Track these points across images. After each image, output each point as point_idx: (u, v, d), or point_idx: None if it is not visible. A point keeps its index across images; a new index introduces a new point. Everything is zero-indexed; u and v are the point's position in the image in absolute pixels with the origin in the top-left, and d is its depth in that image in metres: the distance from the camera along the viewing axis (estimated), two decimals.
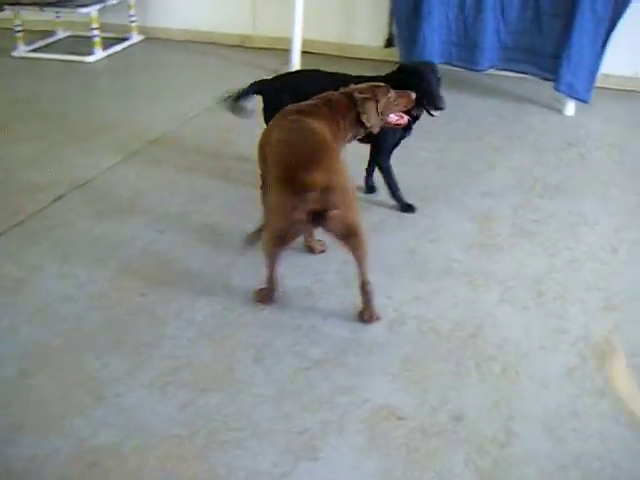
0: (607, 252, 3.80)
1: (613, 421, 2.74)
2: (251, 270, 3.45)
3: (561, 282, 3.53)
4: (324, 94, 3.36)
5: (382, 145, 3.95)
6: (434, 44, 5.68)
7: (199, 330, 3.13)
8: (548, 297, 3.41)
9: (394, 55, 5.99)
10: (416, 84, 3.65)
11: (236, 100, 3.94)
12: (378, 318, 3.16)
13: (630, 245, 3.87)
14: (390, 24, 6.48)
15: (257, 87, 3.98)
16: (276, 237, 3.04)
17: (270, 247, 3.10)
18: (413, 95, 3.49)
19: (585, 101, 5.43)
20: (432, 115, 3.80)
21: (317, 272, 3.50)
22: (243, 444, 2.57)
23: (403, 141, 3.98)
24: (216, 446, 2.56)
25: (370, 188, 4.29)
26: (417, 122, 3.91)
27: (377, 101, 3.35)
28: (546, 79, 5.61)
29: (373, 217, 3.99)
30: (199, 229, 3.88)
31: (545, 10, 5.46)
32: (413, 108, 3.56)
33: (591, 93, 5.55)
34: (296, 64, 6.14)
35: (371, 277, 3.14)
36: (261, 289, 3.27)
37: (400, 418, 2.71)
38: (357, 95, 3.32)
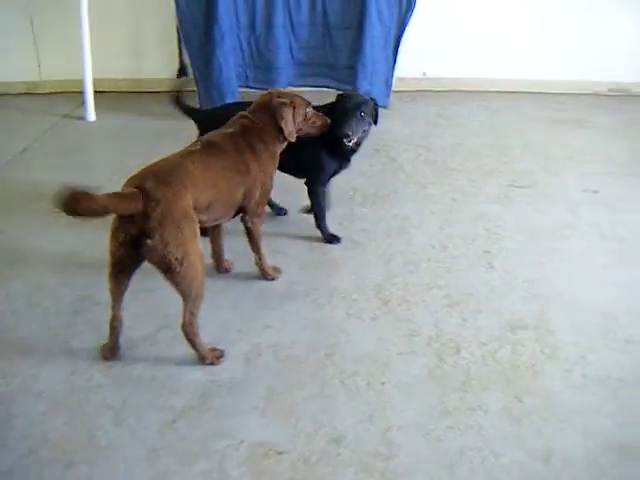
0: (437, 250, 3.91)
1: (482, 412, 2.80)
2: (90, 328, 3.28)
3: (402, 286, 3.59)
4: (241, 119, 3.39)
5: (319, 175, 3.91)
6: (230, 68, 5.64)
7: (50, 401, 2.90)
8: (393, 303, 3.45)
9: (191, 84, 5.90)
10: (329, 111, 3.69)
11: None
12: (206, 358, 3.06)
13: (457, 240, 4.00)
14: (180, 53, 6.41)
15: (192, 114, 3.99)
16: (110, 264, 2.93)
17: (109, 278, 2.98)
18: (328, 120, 3.57)
19: (384, 107, 5.56)
20: (346, 145, 3.74)
21: (161, 317, 3.35)
22: None
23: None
24: None
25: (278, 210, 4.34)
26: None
27: (294, 107, 3.36)
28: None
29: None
30: (24, 293, 3.63)
31: (334, 24, 5.60)
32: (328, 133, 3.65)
33: (389, 98, 5.76)
34: (90, 105, 5.94)
35: (218, 313, 3.09)
36: (105, 344, 3.10)
37: (279, 452, 2.64)
38: (275, 100, 3.35)
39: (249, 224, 3.43)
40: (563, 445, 2.67)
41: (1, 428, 2.78)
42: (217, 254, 3.65)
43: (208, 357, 3.04)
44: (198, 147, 3.19)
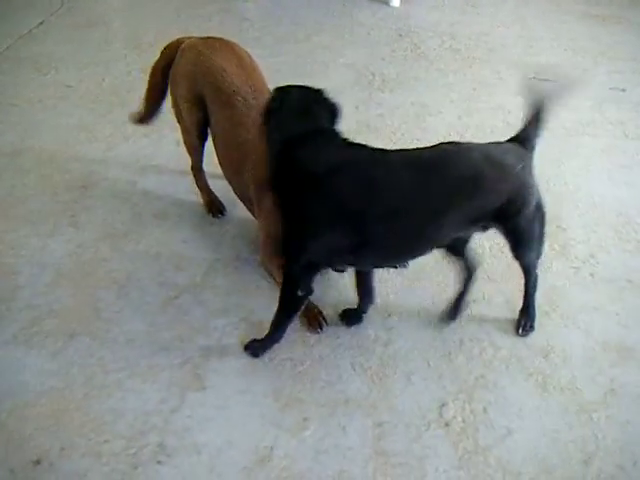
0: (454, 139, 3.82)
1: (485, 303, 2.80)
2: (99, 202, 3.31)
3: None
4: None
5: None
6: None
7: (56, 273, 2.93)
8: None
9: None
10: None
11: None
12: None
13: (474, 130, 3.92)
14: None
15: None
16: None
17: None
18: None
19: None
20: None
21: (171, 194, 3.36)
22: (125, 385, 2.47)
23: None
24: (97, 392, 2.44)
25: None
26: None
27: None
28: None
29: None
30: (34, 167, 3.61)
31: None
32: None
33: None
34: None
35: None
36: None
37: None
38: None
39: None
40: (563, 341, 2.67)
41: (7, 298, 2.82)
42: None
43: None
44: None
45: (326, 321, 2.69)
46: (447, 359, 2.58)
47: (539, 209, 2.47)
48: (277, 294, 2.52)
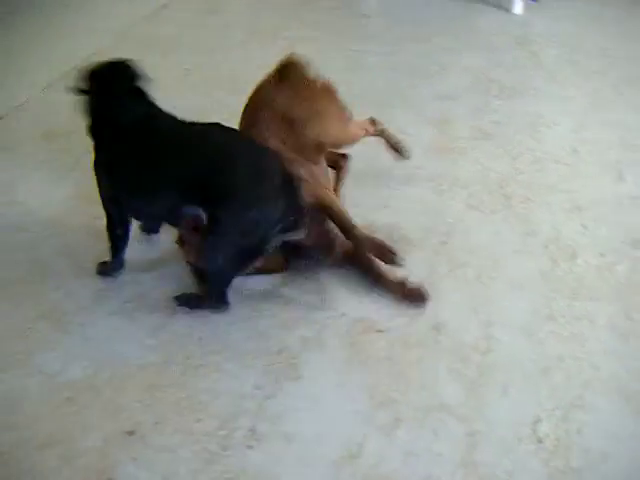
0: (568, 153, 3.75)
1: (588, 322, 2.72)
2: None
3: (526, 184, 3.47)
4: None
5: None
6: None
7: (162, 252, 2.99)
8: (515, 200, 3.35)
9: None
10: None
11: None
12: None
13: (590, 145, 3.82)
14: None
15: None
16: None
17: None
18: None
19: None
20: None
21: None
22: (222, 367, 2.49)
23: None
24: (194, 371, 2.48)
25: None
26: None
27: None
28: None
29: None
30: None
31: None
32: None
33: None
34: None
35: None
36: None
37: (379, 330, 2.65)
38: None
39: None
40: None
41: None
42: None
43: None
44: None
45: None
46: (545, 375, 2.51)
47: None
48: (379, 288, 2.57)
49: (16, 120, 3.97)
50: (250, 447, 2.25)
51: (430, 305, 2.75)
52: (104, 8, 5.44)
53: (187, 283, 2.82)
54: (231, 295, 2.71)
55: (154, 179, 2.59)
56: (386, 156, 3.46)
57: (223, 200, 2.47)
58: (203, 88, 4.18)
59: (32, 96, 4.18)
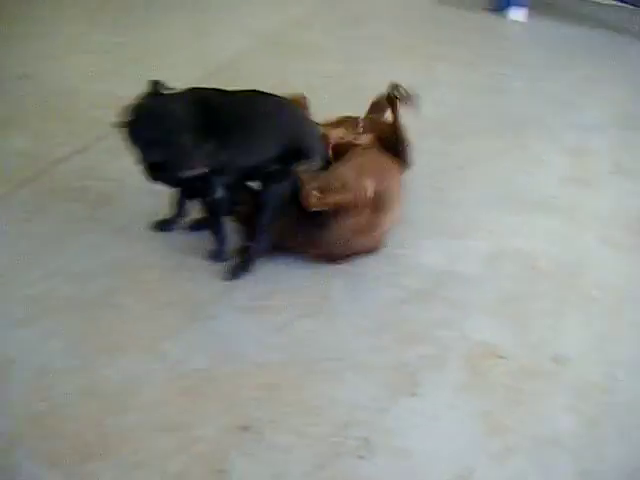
0: None
1: None
2: None
3: None
4: None
5: None
6: None
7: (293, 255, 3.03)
8: None
9: None
10: None
11: None
12: None
13: None
14: None
15: None
16: None
17: None
18: None
19: None
20: None
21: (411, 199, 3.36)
22: (341, 375, 2.50)
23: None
24: (314, 375, 2.50)
25: None
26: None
27: None
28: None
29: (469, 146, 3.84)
30: None
31: None
32: None
33: None
34: None
35: (467, 209, 3.08)
36: None
37: (500, 357, 2.62)
38: None
39: None
40: None
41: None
42: None
43: None
44: None
45: None
46: None
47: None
48: None
49: None
50: (361, 457, 2.25)
51: (554, 336, 2.71)
52: (252, 11, 5.57)
53: (314, 283, 2.87)
54: (356, 307, 2.77)
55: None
56: (521, 181, 3.44)
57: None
58: (347, 95, 4.21)
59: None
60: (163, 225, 3.14)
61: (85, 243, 3.07)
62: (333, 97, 4.16)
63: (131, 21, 5.42)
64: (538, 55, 5.06)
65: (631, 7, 5.42)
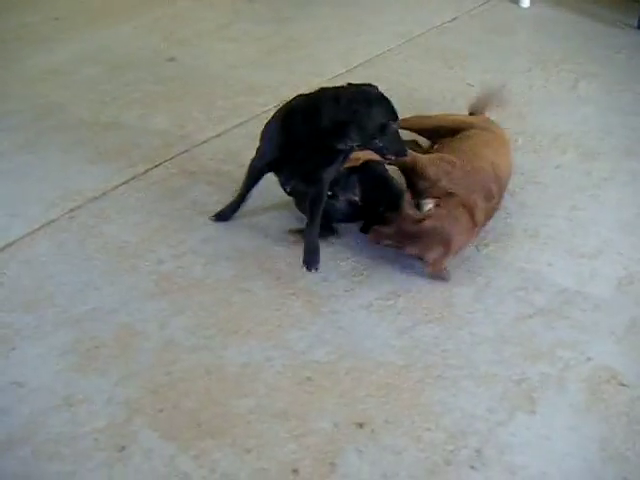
0: None
1: None
2: None
3: None
4: None
5: None
6: None
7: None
8: None
9: None
10: None
11: None
12: None
13: None
14: None
15: None
16: None
17: None
18: None
19: None
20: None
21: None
22: (460, 384, 2.50)
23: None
24: (432, 381, 2.50)
25: None
26: None
27: None
28: None
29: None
30: None
31: None
32: None
33: None
34: None
35: (601, 230, 3.10)
36: None
37: (622, 384, 2.56)
38: None
39: None
40: None
41: (370, 267, 3.00)
42: None
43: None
44: None
45: None
46: None
47: None
48: None
49: None
50: (473, 468, 2.24)
51: None
52: (397, 13, 5.56)
53: (438, 289, 2.86)
54: (480, 317, 2.78)
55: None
56: None
57: None
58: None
59: (317, 84, 4.31)
60: (222, 215, 3.17)
61: (216, 226, 3.15)
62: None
63: (277, 13, 5.50)
64: None
65: None
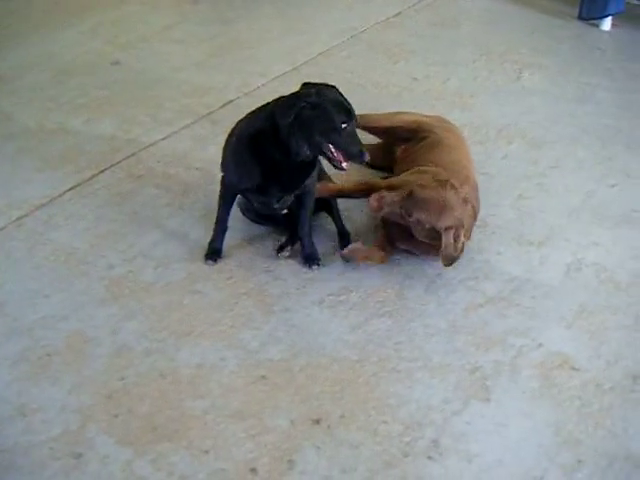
0: None
1: None
2: None
3: None
4: None
5: None
6: None
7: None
8: None
9: None
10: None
11: None
12: None
13: None
14: None
15: None
16: None
17: None
18: None
19: None
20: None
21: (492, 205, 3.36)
22: (414, 375, 2.52)
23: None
24: (387, 374, 2.52)
25: None
26: None
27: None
28: None
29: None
30: None
31: None
32: None
33: None
34: None
35: (548, 218, 3.13)
36: None
37: (574, 368, 2.60)
38: None
39: None
40: None
41: (324, 256, 2.99)
42: None
43: None
44: None
45: None
46: None
47: None
48: None
49: (246, 105, 4.12)
50: (430, 458, 2.26)
51: (631, 352, 2.67)
52: (342, 10, 5.57)
53: (389, 283, 2.89)
54: (432, 308, 2.81)
55: None
56: (604, 193, 3.41)
57: None
58: (430, 99, 4.22)
59: (263, 84, 4.34)
60: (214, 253, 3.01)
61: (166, 230, 3.14)
62: (416, 100, 4.17)
63: (222, 14, 5.48)
64: (629, 66, 4.94)
65: None
